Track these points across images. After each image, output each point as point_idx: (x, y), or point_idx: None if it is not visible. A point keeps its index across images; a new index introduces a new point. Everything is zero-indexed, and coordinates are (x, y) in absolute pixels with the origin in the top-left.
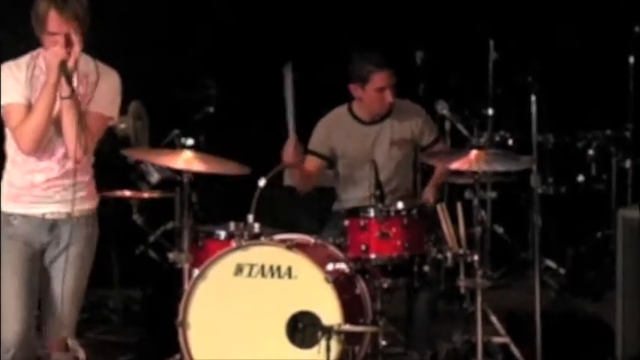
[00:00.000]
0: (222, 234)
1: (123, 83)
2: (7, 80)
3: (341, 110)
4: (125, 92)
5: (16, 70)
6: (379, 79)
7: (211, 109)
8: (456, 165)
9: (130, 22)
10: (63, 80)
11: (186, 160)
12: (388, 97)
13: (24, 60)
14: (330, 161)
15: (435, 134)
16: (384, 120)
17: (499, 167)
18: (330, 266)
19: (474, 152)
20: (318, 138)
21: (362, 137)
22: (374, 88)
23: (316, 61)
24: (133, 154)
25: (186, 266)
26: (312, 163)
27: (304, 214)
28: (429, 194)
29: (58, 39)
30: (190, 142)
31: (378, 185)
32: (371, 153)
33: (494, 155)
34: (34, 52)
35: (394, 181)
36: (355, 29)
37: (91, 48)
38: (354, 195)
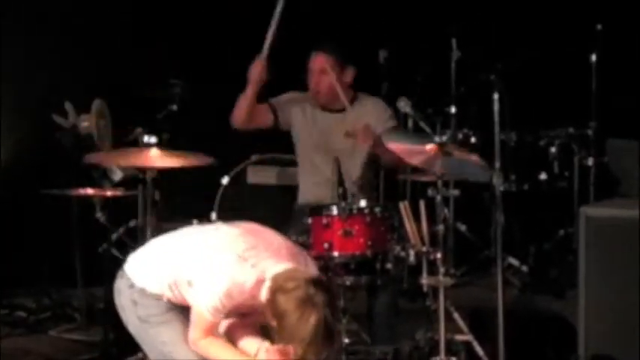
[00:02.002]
0: None
1: (87, 81)
2: None
3: (309, 92)
4: (88, 91)
5: None
6: (310, 61)
7: (175, 107)
8: (415, 159)
9: (93, 21)
10: None
11: (149, 158)
12: (313, 81)
13: None
14: (277, 124)
15: (393, 123)
16: (343, 111)
17: (460, 174)
18: None
19: (431, 146)
20: (282, 99)
21: (314, 121)
22: (308, 70)
23: (280, 59)
24: (95, 160)
25: None
26: (263, 108)
27: (268, 211)
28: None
29: None
30: (153, 139)
31: (341, 182)
32: (327, 142)
33: (454, 158)
34: None
35: (359, 178)
36: (318, 27)
37: (55, 48)
38: (316, 190)
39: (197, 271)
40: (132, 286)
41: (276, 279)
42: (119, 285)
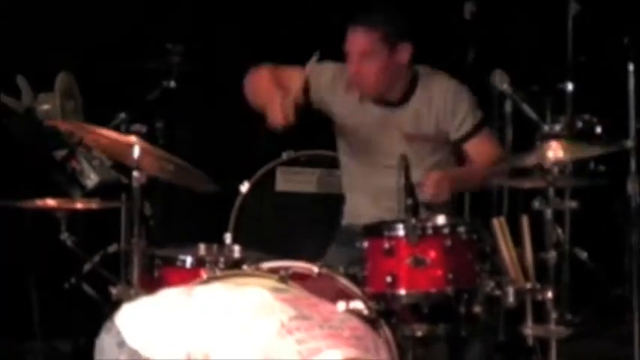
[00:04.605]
0: (189, 260)
1: (48, 47)
2: None
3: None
4: (50, 61)
5: None
6: (347, 41)
7: (172, 84)
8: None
9: None
10: None
11: (135, 159)
12: (351, 66)
13: None
14: (308, 100)
15: (472, 123)
16: (400, 105)
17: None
18: (341, 306)
19: (549, 144)
20: (323, 71)
21: (361, 113)
22: (346, 53)
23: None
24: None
25: None
26: (293, 75)
27: (303, 231)
28: (431, 179)
29: None
30: (142, 129)
31: (410, 190)
32: (377, 144)
33: (572, 155)
34: None
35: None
36: None
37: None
38: (368, 203)
39: (220, 343)
40: (122, 344)
41: None
42: (104, 342)
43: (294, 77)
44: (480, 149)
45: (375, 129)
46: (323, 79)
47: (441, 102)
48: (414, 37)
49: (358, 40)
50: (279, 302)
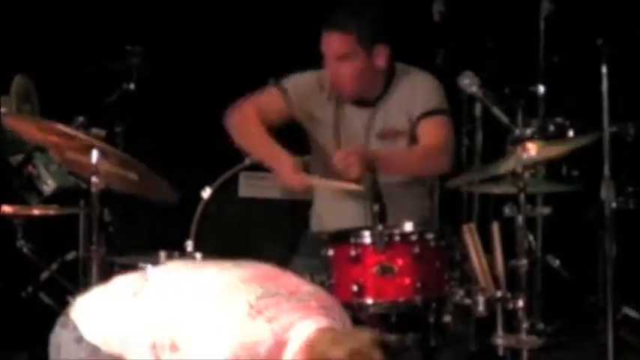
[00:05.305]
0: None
1: (3, 49)
2: None
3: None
4: (5, 63)
5: None
6: (322, 43)
7: (132, 87)
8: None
9: None
10: None
11: (94, 163)
12: (329, 71)
13: None
14: (292, 114)
15: (434, 106)
16: (376, 104)
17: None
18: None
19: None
20: (297, 82)
21: (339, 117)
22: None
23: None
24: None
25: None
26: (272, 98)
27: (268, 237)
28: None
29: None
30: (101, 133)
31: (377, 196)
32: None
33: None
34: None
35: (398, 196)
36: None
37: None
38: (337, 210)
39: (187, 328)
40: (80, 340)
41: (312, 344)
42: (60, 337)
43: (273, 102)
44: (428, 131)
45: (352, 131)
46: (301, 90)
47: (412, 91)
48: (392, 38)
49: (334, 43)
50: (241, 282)
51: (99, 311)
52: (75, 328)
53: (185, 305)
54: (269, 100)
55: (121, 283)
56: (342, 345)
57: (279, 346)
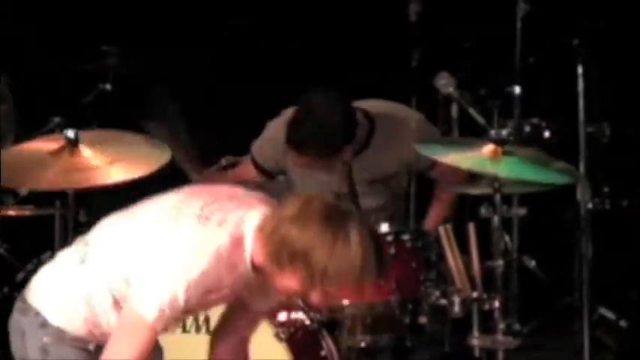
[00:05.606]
0: None
1: None
2: None
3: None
4: None
5: None
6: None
7: (107, 87)
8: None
9: None
10: None
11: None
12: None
13: None
14: (273, 175)
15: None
16: (363, 151)
17: (528, 184)
18: (282, 316)
19: (489, 148)
20: (264, 151)
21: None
22: None
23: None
24: None
25: None
26: (249, 169)
27: None
28: (431, 223)
29: None
30: (75, 134)
31: (353, 194)
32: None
33: (519, 161)
34: None
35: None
36: None
37: None
38: None
39: (146, 263)
40: (44, 324)
41: (262, 227)
42: (23, 325)
43: (246, 172)
44: (446, 169)
45: (335, 183)
46: (270, 153)
47: (396, 139)
48: (351, 129)
49: (302, 161)
50: (181, 202)
51: (55, 290)
52: (37, 313)
53: (137, 243)
54: (245, 174)
55: (65, 256)
56: (289, 208)
57: (238, 242)
